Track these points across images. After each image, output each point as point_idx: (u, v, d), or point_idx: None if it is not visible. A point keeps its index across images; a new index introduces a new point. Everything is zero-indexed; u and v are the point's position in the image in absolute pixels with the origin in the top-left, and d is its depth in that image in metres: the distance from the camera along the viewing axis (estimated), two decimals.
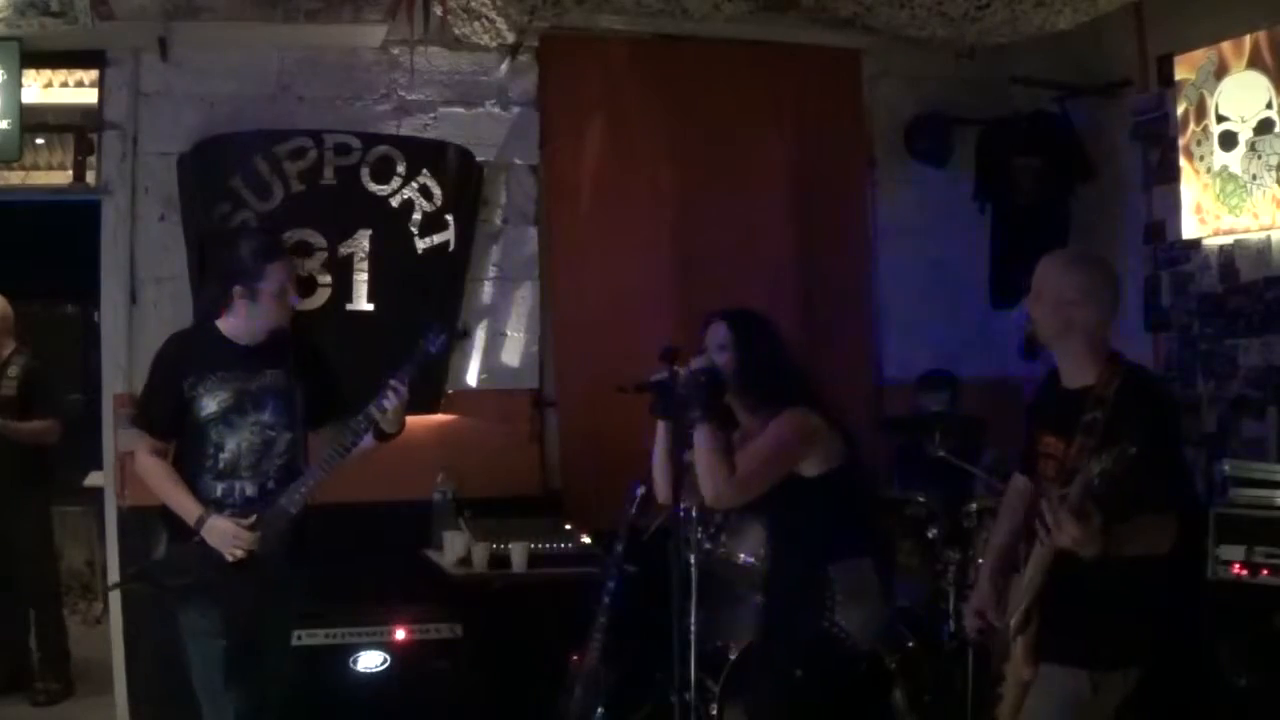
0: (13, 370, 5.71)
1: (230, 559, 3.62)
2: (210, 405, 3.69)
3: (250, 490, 3.71)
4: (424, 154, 5.25)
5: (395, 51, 5.30)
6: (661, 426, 3.71)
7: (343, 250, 5.14)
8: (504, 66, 5.47)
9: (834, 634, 3.58)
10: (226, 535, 3.62)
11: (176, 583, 3.71)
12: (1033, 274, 3.25)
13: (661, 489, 3.81)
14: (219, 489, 3.70)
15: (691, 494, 3.75)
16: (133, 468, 3.83)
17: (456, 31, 5.18)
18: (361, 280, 5.16)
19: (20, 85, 4.82)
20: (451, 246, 5.29)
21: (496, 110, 5.47)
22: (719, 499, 3.57)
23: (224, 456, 3.70)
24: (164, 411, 3.74)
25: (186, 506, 3.66)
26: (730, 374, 3.61)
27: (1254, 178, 4.75)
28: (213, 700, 3.68)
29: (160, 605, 3.97)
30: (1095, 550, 2.84)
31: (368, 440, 3.77)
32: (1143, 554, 2.95)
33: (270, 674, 3.80)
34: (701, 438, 3.50)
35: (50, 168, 5.56)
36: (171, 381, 3.73)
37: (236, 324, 3.76)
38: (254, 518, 3.65)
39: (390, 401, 3.69)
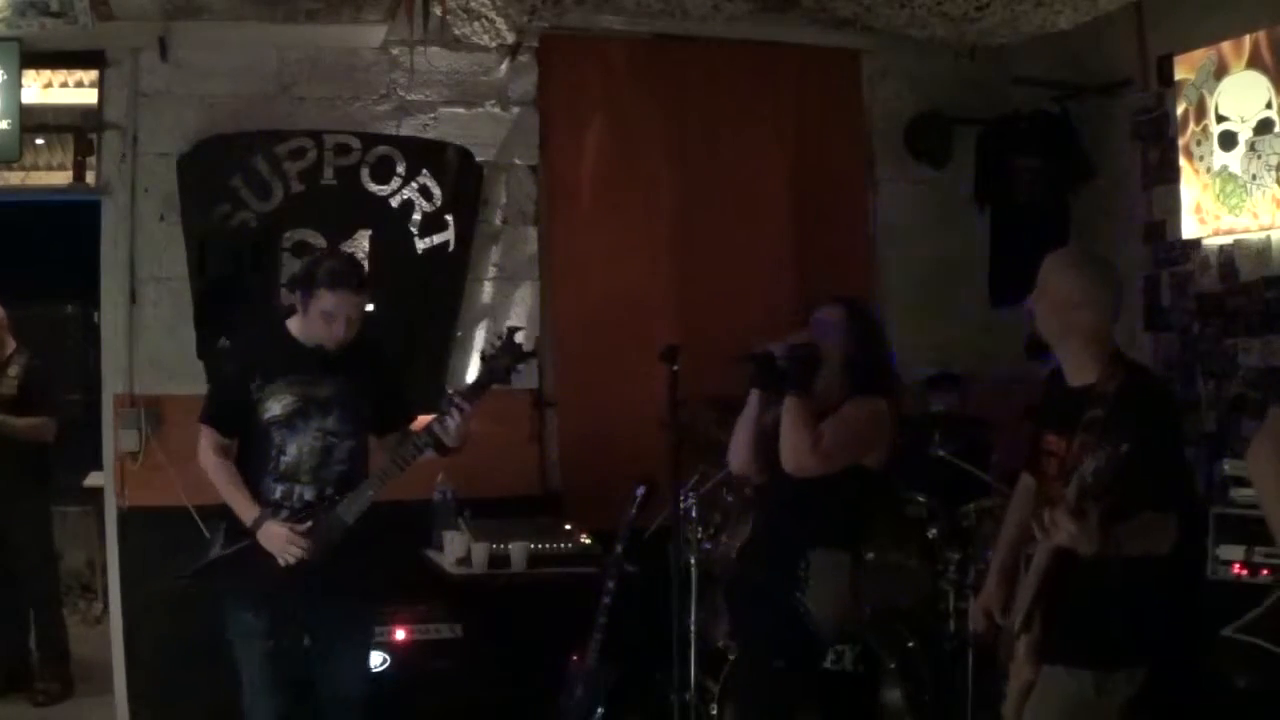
0: (13, 370, 5.71)
1: (283, 564, 3.66)
2: (275, 409, 3.71)
3: (309, 495, 3.74)
4: (424, 154, 5.25)
5: (395, 51, 5.30)
6: (753, 397, 3.80)
7: (343, 250, 5.14)
8: (504, 66, 5.47)
9: (800, 615, 3.63)
10: (281, 540, 3.65)
11: (229, 583, 3.75)
12: (1034, 273, 3.25)
13: (739, 459, 3.88)
14: (279, 491, 3.73)
15: (767, 464, 3.81)
16: (196, 462, 3.84)
17: (456, 31, 5.17)
18: None
19: (20, 85, 4.82)
20: (451, 246, 5.29)
21: (496, 110, 5.47)
22: (801, 468, 3.64)
23: (285, 460, 3.73)
24: (231, 409, 3.78)
25: (244, 507, 3.69)
26: (839, 356, 3.71)
27: (1254, 178, 4.75)
28: (254, 700, 3.73)
29: (165, 606, 3.98)
30: (1092, 548, 2.84)
31: (428, 452, 3.81)
32: (1142, 554, 2.95)
33: (342, 683, 3.82)
34: (792, 408, 3.61)
35: (50, 168, 5.56)
36: (240, 381, 3.76)
37: (298, 326, 3.80)
38: (309, 525, 3.68)
39: (454, 420, 3.72)
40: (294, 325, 3.81)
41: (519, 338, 3.89)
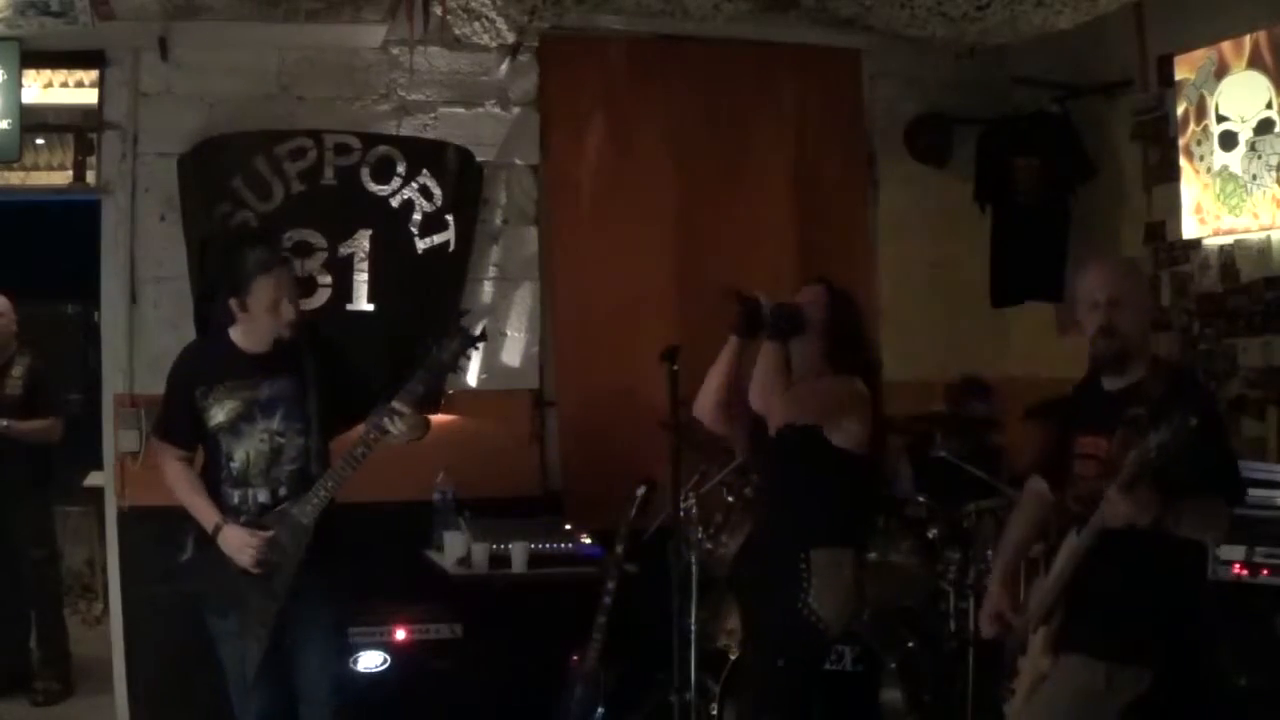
0: (17, 370, 5.72)
1: (242, 565, 3.67)
2: (219, 415, 3.74)
3: (263, 496, 3.75)
4: (424, 154, 5.25)
5: (395, 51, 5.30)
6: (731, 344, 3.82)
7: (343, 250, 5.14)
8: (504, 66, 5.47)
9: (805, 615, 3.63)
10: (238, 543, 3.67)
11: (199, 587, 3.79)
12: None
13: (706, 406, 3.89)
14: (235, 496, 3.75)
15: (736, 416, 3.86)
16: (161, 474, 3.87)
17: (456, 31, 5.18)
18: (361, 280, 5.17)
19: (20, 85, 4.82)
20: (451, 246, 5.29)
21: (496, 110, 5.47)
22: (767, 405, 3.67)
23: (234, 465, 3.75)
24: (181, 422, 3.81)
25: (205, 514, 3.73)
26: (819, 331, 3.74)
27: (1254, 178, 4.75)
28: (239, 701, 3.77)
29: (165, 606, 3.99)
30: (1148, 517, 2.84)
31: (397, 437, 3.76)
32: (1199, 534, 2.98)
33: (310, 682, 3.80)
34: (769, 353, 3.64)
35: (50, 168, 5.56)
36: (184, 392, 3.79)
37: (243, 334, 3.78)
38: (269, 533, 3.68)
39: (403, 410, 3.67)
40: (236, 334, 3.79)
41: (466, 321, 3.84)
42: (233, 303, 3.73)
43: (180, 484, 3.80)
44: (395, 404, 3.70)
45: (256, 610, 3.70)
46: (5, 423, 5.58)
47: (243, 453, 3.74)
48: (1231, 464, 3.14)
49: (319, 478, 3.75)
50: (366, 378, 4.00)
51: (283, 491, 3.76)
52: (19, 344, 5.81)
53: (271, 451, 3.75)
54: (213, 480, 3.78)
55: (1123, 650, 3.03)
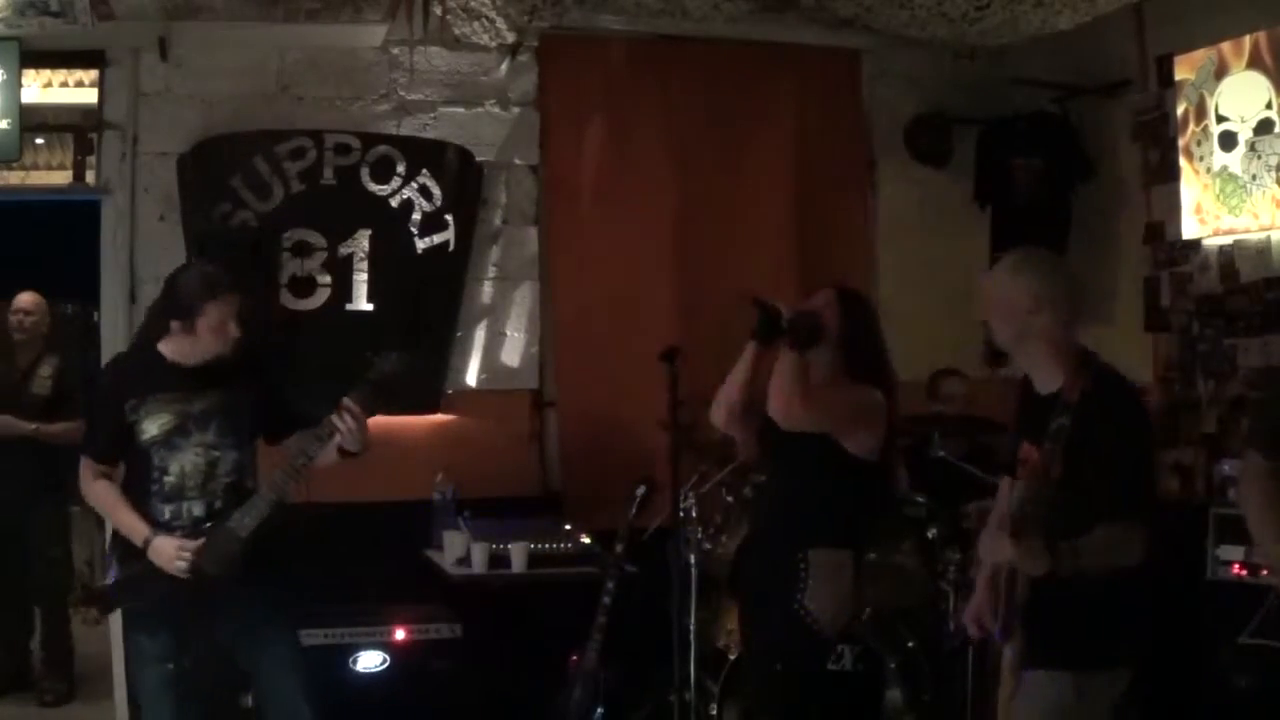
0: (45, 370, 5.71)
1: (173, 572, 3.54)
2: (152, 429, 3.62)
3: (198, 510, 3.64)
4: (424, 154, 5.26)
5: (395, 51, 5.30)
6: (749, 350, 3.79)
7: (342, 250, 5.14)
8: (504, 66, 5.47)
9: (800, 616, 3.62)
10: (169, 553, 3.54)
11: (130, 604, 3.68)
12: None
13: (723, 414, 3.86)
14: (167, 511, 3.63)
15: (751, 421, 3.83)
16: (82, 491, 3.78)
17: (456, 31, 5.18)
18: (361, 280, 5.17)
19: (20, 85, 4.82)
20: (451, 246, 5.30)
21: (496, 110, 5.48)
22: (788, 413, 3.64)
23: (169, 479, 3.63)
24: (106, 436, 3.70)
25: (135, 528, 3.60)
26: (833, 337, 3.73)
27: (1254, 178, 4.75)
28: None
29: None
30: (1040, 570, 2.83)
31: (331, 455, 3.67)
32: (1108, 569, 2.88)
33: (278, 691, 3.69)
34: (788, 361, 3.63)
35: (50, 168, 5.56)
36: (113, 406, 3.67)
37: (176, 349, 3.69)
38: (202, 540, 3.57)
39: (346, 424, 3.58)
40: (166, 347, 3.69)
41: (380, 360, 3.71)
42: (174, 324, 3.64)
43: (106, 501, 3.68)
44: (347, 401, 3.59)
45: (191, 626, 3.57)
46: (34, 426, 5.57)
47: (178, 467, 3.62)
48: (1141, 482, 3.02)
49: (254, 491, 3.66)
50: (298, 392, 3.88)
51: (218, 504, 3.64)
52: (48, 344, 5.80)
53: (208, 465, 3.64)
54: (139, 495, 3.64)
55: (1087, 656, 2.96)
